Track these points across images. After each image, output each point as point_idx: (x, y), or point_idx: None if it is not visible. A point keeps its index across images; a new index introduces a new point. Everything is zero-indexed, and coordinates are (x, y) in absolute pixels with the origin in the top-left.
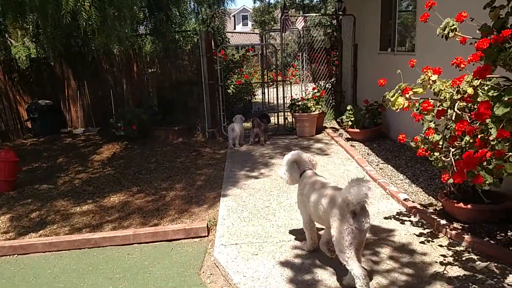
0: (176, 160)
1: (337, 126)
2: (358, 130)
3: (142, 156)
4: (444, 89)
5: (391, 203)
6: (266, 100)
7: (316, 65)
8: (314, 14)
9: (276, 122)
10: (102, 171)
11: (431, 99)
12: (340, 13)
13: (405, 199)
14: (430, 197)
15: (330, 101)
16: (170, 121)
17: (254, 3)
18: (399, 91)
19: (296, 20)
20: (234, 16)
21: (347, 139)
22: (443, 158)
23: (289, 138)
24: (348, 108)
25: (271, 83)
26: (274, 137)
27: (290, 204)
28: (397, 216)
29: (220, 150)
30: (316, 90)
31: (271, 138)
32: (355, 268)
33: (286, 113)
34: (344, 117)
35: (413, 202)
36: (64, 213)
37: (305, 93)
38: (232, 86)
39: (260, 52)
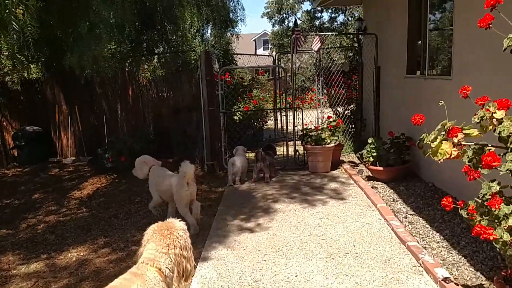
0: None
1: (356, 161)
2: (381, 169)
3: (127, 194)
4: None
5: (426, 282)
6: (280, 126)
7: (335, 89)
8: (330, 33)
9: (285, 154)
10: (75, 213)
11: (493, 146)
12: (361, 32)
13: (445, 279)
14: (478, 274)
15: (349, 130)
16: (167, 152)
17: (273, 26)
18: (443, 133)
19: (313, 41)
20: (255, 40)
21: (368, 178)
22: None
23: (299, 175)
24: (370, 141)
25: (284, 109)
26: (282, 172)
27: (288, 278)
28: None
29: (218, 188)
30: (332, 119)
31: (278, 173)
32: (189, 219)
33: (297, 143)
34: (364, 151)
35: (456, 284)
36: (4, 274)
37: (321, 120)
38: (239, 112)
39: (275, 76)
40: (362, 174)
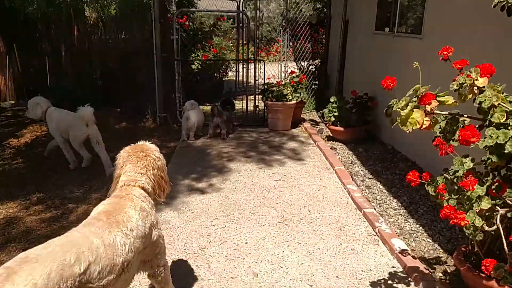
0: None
1: (317, 119)
2: (342, 129)
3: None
4: (500, 104)
5: (382, 253)
6: (241, 79)
7: (301, 42)
8: None
9: (245, 109)
10: (10, 164)
11: (469, 116)
12: None
13: (402, 251)
14: (436, 246)
15: (312, 87)
16: (115, 101)
17: None
18: (414, 99)
19: None
20: None
21: (328, 138)
22: (485, 227)
23: (258, 132)
24: (332, 100)
25: (245, 61)
26: (240, 128)
27: (237, 246)
28: (390, 282)
29: (170, 143)
30: (295, 74)
31: (236, 130)
32: (83, 153)
33: (257, 98)
34: (326, 110)
35: (413, 257)
36: None
37: (285, 75)
38: (197, 61)
39: (237, 23)
40: (322, 133)
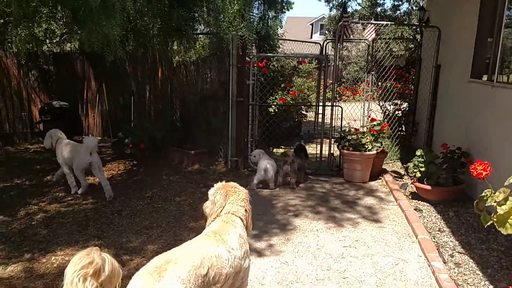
0: (175, 199)
1: (401, 171)
2: (429, 187)
3: (139, 186)
4: None
5: None
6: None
7: (390, 82)
8: (385, 23)
9: (319, 155)
10: (79, 204)
11: None
12: (422, 24)
13: None
14: None
15: (398, 134)
16: (190, 142)
17: (330, 11)
18: None
19: (367, 30)
20: (312, 24)
21: (413, 196)
22: None
23: (331, 182)
24: (418, 153)
25: (321, 106)
26: (312, 177)
27: None
28: None
29: None
30: (376, 122)
31: (308, 179)
32: (82, 180)
33: (333, 144)
34: (411, 164)
35: None
36: None
37: (367, 119)
38: (275, 104)
39: (320, 65)
40: (405, 189)
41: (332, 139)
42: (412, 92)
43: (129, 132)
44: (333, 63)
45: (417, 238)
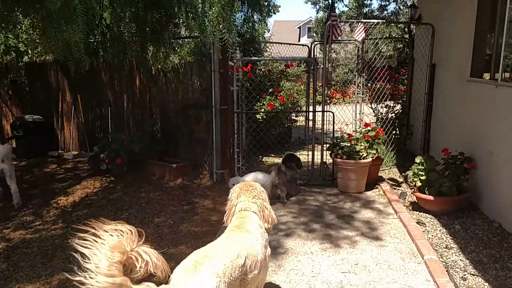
0: (154, 220)
1: (399, 178)
2: (431, 198)
3: (115, 206)
4: None
5: None
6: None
7: (381, 83)
8: (377, 21)
9: (311, 164)
10: (48, 229)
11: None
12: (414, 21)
13: None
14: None
15: (392, 138)
16: (172, 154)
17: (317, 13)
18: None
19: (356, 29)
20: (299, 27)
21: (413, 206)
22: None
23: (325, 194)
24: (417, 161)
25: (311, 112)
26: (305, 188)
27: None
28: None
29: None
30: (369, 127)
31: (300, 191)
32: None
33: (326, 151)
34: (410, 173)
35: None
36: None
37: (359, 123)
38: (262, 111)
39: (309, 68)
40: (404, 198)
41: (325, 146)
42: (405, 93)
43: (105, 146)
44: (322, 66)
45: (423, 259)
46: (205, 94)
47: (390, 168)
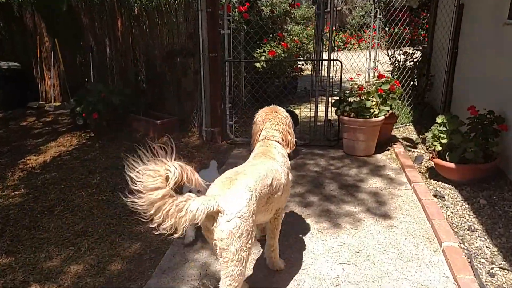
0: (128, 187)
1: (415, 137)
2: (453, 166)
3: (88, 168)
4: None
5: None
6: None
7: (399, 27)
8: None
9: (313, 121)
10: (6, 196)
11: None
12: None
13: None
14: None
15: (410, 89)
16: (159, 108)
17: None
18: None
19: None
20: None
21: (429, 173)
22: None
23: (328, 157)
24: (439, 120)
25: (318, 60)
26: (306, 150)
27: None
28: None
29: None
30: (383, 79)
31: (300, 152)
32: None
33: (330, 107)
34: (429, 135)
35: None
36: None
37: (373, 73)
38: (262, 60)
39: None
40: (420, 163)
41: (332, 99)
42: (426, 39)
43: (82, 98)
44: (333, 8)
45: (441, 246)
46: (191, 39)
47: (406, 125)
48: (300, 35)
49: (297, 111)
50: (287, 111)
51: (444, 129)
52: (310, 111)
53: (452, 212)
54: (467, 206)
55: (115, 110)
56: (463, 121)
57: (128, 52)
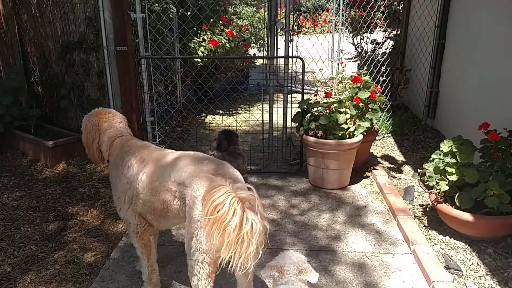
0: None
1: (397, 156)
2: (471, 219)
3: None
4: None
5: None
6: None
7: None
8: None
9: (268, 133)
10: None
11: None
12: None
13: None
14: None
15: (383, 88)
16: (63, 121)
17: None
18: None
19: None
20: None
21: (428, 219)
22: None
23: (289, 192)
24: (445, 147)
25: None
26: (258, 178)
27: None
28: None
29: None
30: (360, 84)
31: (250, 182)
32: None
33: (289, 120)
34: (429, 168)
35: None
36: None
37: (338, 66)
38: (202, 50)
39: None
40: (412, 199)
41: (292, 99)
42: (400, 23)
43: None
44: None
45: None
46: (93, 26)
47: (383, 137)
48: (251, 19)
49: (246, 115)
50: (227, 132)
51: (453, 160)
52: (263, 114)
53: None
54: (494, 280)
55: None
56: (476, 147)
57: (14, 44)
